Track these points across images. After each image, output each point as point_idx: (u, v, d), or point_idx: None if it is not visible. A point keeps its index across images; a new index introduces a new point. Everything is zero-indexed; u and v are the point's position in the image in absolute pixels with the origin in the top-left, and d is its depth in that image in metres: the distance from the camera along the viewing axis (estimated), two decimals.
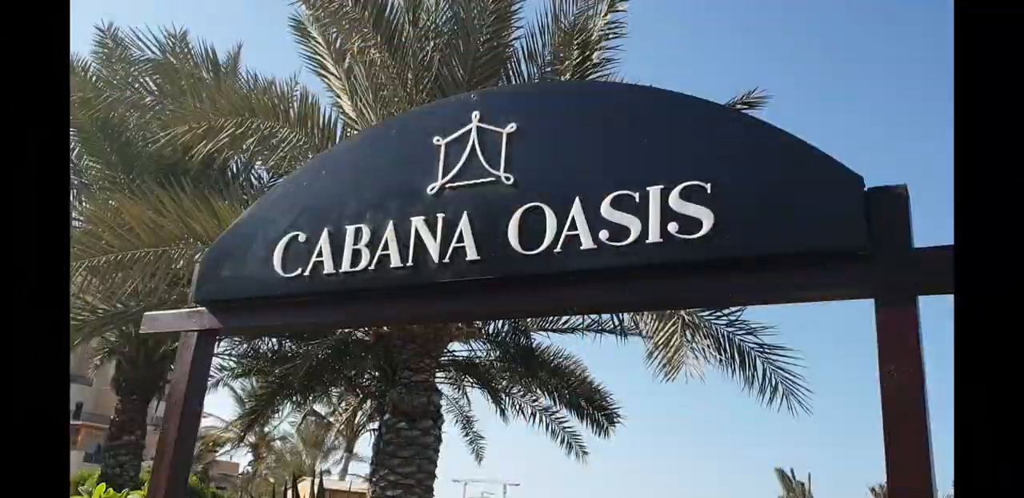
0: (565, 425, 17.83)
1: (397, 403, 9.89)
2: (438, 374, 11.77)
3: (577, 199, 2.41)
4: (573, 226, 2.39)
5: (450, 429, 22.76)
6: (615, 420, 15.31)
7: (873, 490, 37.62)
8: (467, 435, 20.27)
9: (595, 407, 15.20)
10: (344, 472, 40.60)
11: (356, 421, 36.52)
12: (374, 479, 10.01)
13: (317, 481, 15.84)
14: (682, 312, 8.43)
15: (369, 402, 25.64)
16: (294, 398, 16.48)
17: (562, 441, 18.05)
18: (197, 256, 6.94)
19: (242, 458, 40.87)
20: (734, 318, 9.04)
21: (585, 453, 18.40)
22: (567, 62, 8.45)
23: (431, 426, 9.92)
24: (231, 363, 16.33)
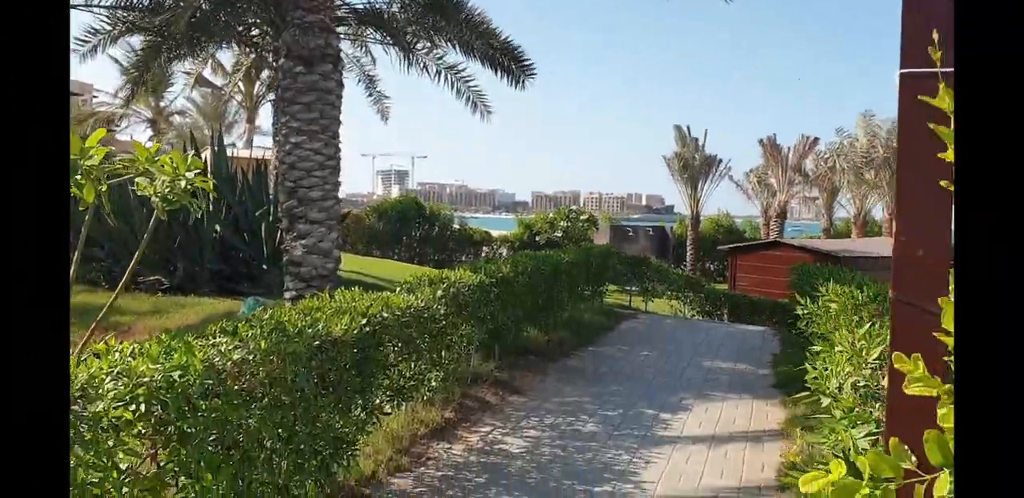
0: (471, 84, 17.46)
1: (291, 45, 9.10)
2: (338, 29, 10.77)
3: None
4: None
5: (353, 91, 22.15)
6: (530, 72, 14.94)
7: (761, 142, 40.15)
8: (371, 95, 19.78)
9: (509, 58, 14.68)
10: (249, 144, 40.42)
11: (256, 92, 35.31)
12: (276, 127, 9.64)
13: (217, 146, 15.43)
14: None
15: (267, 73, 24.37)
16: (180, 53, 15.29)
17: (467, 100, 17.83)
18: None
19: (142, 135, 39.76)
20: None
21: (489, 112, 18.36)
22: None
23: (331, 71, 9.29)
24: (104, 24, 14.68)
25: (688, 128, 38.79)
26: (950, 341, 1.49)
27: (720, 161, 38.53)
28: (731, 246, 23.12)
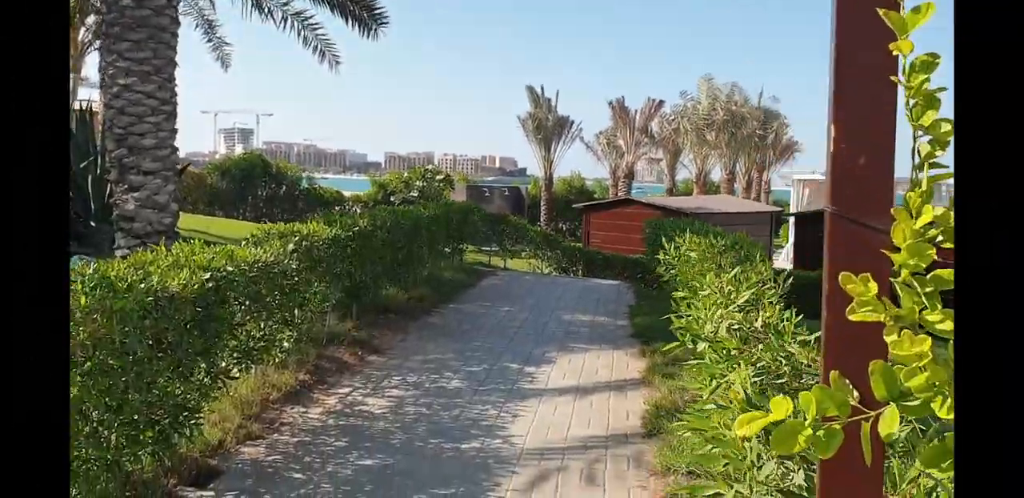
0: (319, 32, 16.55)
1: None
2: None
3: None
4: None
5: (190, 36, 20.56)
6: (382, 20, 14.25)
7: (610, 104, 40.89)
8: (210, 41, 18.46)
9: (360, 5, 13.93)
10: (74, 95, 37.04)
11: (80, 39, 32.28)
12: (102, 68, 8.64)
13: None
14: None
15: (93, 18, 22.14)
16: None
17: (315, 49, 16.92)
18: None
19: None
20: None
21: (338, 62, 17.55)
22: None
23: (164, 6, 8.38)
24: None
25: (541, 88, 38.93)
26: (899, 258, 1.29)
27: (572, 122, 38.99)
28: (585, 204, 23.44)
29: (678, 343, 5.16)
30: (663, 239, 8.22)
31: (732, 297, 4.42)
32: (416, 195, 27.36)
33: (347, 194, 31.87)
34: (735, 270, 4.70)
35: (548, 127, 38.34)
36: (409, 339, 8.43)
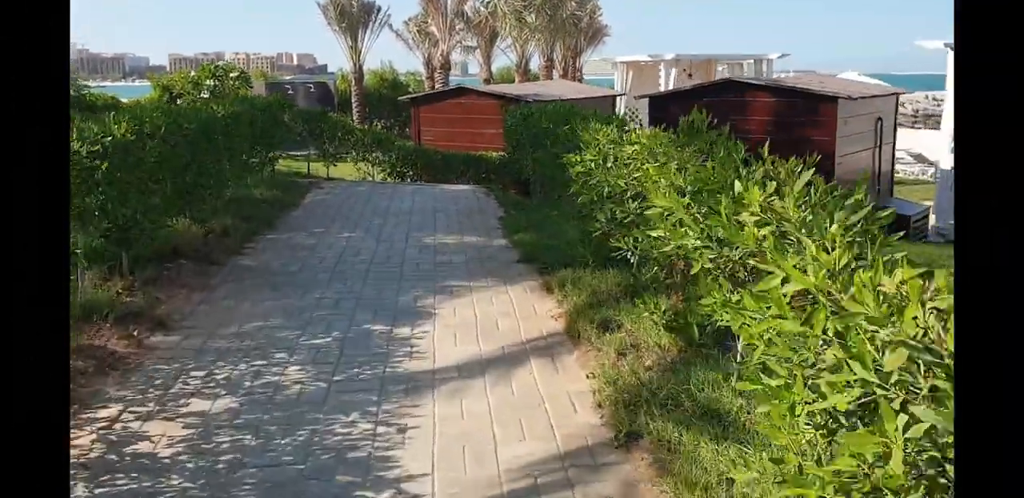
0: None
1: None
2: None
3: None
4: None
5: None
6: None
7: None
8: None
9: None
10: None
11: None
12: None
13: None
14: None
15: None
16: None
17: None
18: None
19: None
20: None
21: None
22: None
23: None
24: None
25: None
26: None
27: (379, 8, 35.20)
28: (412, 96, 20.56)
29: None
30: (531, 133, 5.99)
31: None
32: (207, 97, 23.53)
33: (125, 101, 27.18)
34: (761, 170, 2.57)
35: (353, 14, 34.35)
36: (213, 298, 5.81)
